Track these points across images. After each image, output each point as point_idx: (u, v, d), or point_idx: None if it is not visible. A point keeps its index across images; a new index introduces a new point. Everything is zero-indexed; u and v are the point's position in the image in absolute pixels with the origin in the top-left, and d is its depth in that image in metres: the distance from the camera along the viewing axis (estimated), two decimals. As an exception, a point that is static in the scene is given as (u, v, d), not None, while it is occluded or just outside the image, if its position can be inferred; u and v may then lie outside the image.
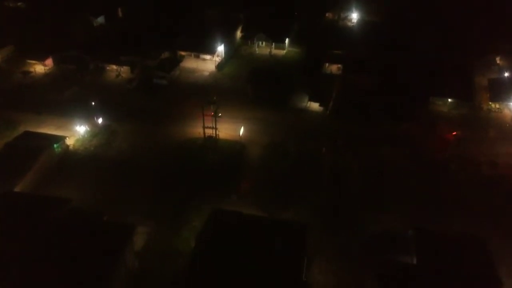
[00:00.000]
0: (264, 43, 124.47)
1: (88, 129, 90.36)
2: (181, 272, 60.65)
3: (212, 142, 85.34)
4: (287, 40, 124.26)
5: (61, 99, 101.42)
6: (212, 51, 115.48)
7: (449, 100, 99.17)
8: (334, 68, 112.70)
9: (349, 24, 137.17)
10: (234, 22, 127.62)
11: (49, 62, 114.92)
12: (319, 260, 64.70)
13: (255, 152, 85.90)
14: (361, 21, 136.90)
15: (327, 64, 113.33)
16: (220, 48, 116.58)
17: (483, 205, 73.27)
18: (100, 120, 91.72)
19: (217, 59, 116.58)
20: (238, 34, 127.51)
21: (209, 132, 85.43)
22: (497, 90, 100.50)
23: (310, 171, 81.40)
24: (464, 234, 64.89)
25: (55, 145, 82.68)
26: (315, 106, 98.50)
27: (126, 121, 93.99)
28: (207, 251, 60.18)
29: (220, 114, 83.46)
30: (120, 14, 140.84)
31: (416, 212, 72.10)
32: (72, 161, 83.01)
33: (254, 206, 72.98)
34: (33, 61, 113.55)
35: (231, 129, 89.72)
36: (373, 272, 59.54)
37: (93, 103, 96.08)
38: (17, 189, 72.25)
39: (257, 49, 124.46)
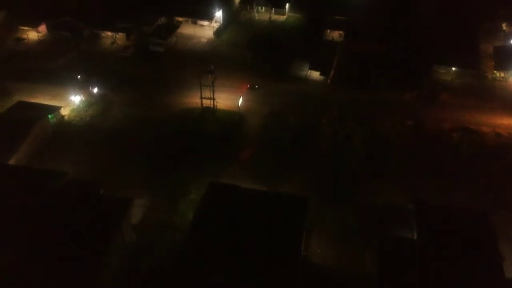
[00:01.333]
0: (263, 8, 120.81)
1: (84, 98, 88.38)
2: (178, 246, 59.94)
3: (210, 112, 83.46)
4: (287, 5, 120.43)
5: (55, 67, 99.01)
6: (210, 17, 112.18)
7: (453, 68, 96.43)
8: (335, 34, 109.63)
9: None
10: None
11: (43, 28, 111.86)
12: (319, 233, 64.02)
13: (255, 123, 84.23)
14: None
15: (328, 31, 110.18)
16: (218, 14, 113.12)
17: (486, 177, 71.85)
18: (95, 90, 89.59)
19: (215, 25, 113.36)
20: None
21: (206, 102, 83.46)
22: (503, 59, 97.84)
23: (310, 142, 79.92)
24: (465, 207, 64.07)
25: (49, 116, 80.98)
26: (315, 75, 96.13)
27: (122, 90, 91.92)
28: (205, 226, 59.49)
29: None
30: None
31: (417, 184, 70.89)
32: (67, 132, 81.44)
33: (253, 178, 71.96)
34: (26, 28, 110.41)
35: (230, 98, 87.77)
36: (373, 246, 59.05)
37: (79, 77, 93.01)
38: (11, 162, 70.98)
39: (256, 14, 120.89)
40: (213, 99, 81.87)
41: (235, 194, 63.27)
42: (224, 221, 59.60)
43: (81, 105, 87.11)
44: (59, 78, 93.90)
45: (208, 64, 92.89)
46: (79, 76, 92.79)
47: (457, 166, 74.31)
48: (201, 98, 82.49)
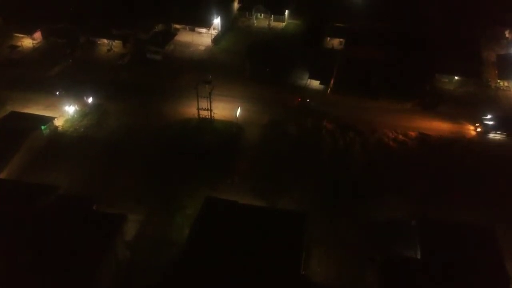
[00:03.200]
0: (262, 15, 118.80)
1: (78, 108, 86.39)
2: (173, 264, 57.86)
3: (208, 123, 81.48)
4: (286, 12, 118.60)
5: (50, 75, 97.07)
6: (208, 24, 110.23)
7: (456, 77, 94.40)
8: (335, 42, 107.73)
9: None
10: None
11: (38, 35, 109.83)
12: (319, 249, 61.96)
13: (253, 133, 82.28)
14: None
15: (328, 38, 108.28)
16: (217, 21, 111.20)
17: (491, 190, 69.93)
18: (90, 99, 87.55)
19: (213, 32, 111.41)
20: (236, 5, 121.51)
21: (204, 113, 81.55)
22: (506, 67, 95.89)
23: (310, 153, 77.97)
24: (470, 223, 62.01)
25: (42, 127, 78.97)
26: (315, 83, 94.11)
27: (117, 99, 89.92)
28: (201, 243, 57.53)
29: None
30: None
31: (419, 197, 68.88)
32: (60, 143, 79.45)
33: (251, 190, 70.23)
34: (21, 35, 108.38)
35: (228, 108, 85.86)
36: (375, 264, 57.04)
37: (57, 93, 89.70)
38: (2, 175, 69.07)
39: (255, 21, 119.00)
40: (210, 110, 79.87)
41: (232, 210, 61.37)
42: (220, 238, 57.79)
43: (76, 115, 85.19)
44: (54, 87, 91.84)
45: (206, 73, 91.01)
46: (57, 92, 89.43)
47: (460, 179, 72.28)
48: (198, 109, 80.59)
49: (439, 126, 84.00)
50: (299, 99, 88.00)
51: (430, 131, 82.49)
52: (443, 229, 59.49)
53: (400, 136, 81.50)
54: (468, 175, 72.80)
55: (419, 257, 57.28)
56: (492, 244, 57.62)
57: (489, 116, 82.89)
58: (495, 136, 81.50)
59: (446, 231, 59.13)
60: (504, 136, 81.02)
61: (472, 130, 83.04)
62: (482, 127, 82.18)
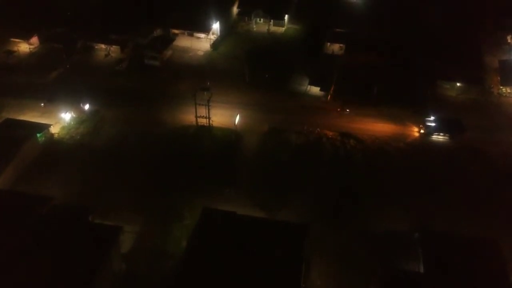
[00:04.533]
0: (262, 19, 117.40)
1: (74, 115, 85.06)
2: (170, 277, 56.53)
3: (206, 132, 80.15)
4: (286, 17, 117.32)
5: (46, 81, 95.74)
6: (207, 29, 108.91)
7: (457, 84, 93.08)
8: (336, 47, 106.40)
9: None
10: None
11: (35, 40, 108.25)
12: (319, 262, 60.63)
13: (252, 141, 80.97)
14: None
15: (328, 44, 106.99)
16: (216, 26, 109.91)
17: (496, 202, 68.65)
18: (87, 106, 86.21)
19: (212, 37, 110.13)
20: (235, 10, 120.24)
21: (202, 121, 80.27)
22: (509, 73, 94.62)
23: (311, 162, 76.67)
24: (474, 235, 60.67)
25: (38, 135, 77.61)
26: (315, 90, 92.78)
27: (115, 106, 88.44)
28: (199, 255, 56.20)
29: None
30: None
31: (422, 209, 67.60)
32: (56, 151, 78.00)
33: (250, 200, 69.04)
34: (17, 40, 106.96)
35: (226, 115, 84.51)
36: (376, 279, 55.65)
37: (42, 104, 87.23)
38: (-4, 184, 67.68)
39: (254, 26, 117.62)
40: (209, 118, 78.59)
41: (230, 221, 60.05)
42: (219, 250, 56.49)
43: (72, 122, 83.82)
44: (50, 93, 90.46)
45: (204, 79, 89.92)
46: (42, 104, 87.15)
47: (465, 188, 71.11)
48: (196, 117, 79.33)
49: (384, 128, 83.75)
50: (339, 109, 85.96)
51: (374, 132, 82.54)
52: (447, 242, 58.17)
53: (401, 144, 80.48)
54: (472, 184, 71.62)
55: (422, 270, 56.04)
56: (497, 257, 56.34)
57: (431, 118, 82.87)
58: (438, 137, 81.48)
59: (449, 244, 57.85)
60: (446, 137, 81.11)
61: (415, 131, 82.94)
62: (425, 129, 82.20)
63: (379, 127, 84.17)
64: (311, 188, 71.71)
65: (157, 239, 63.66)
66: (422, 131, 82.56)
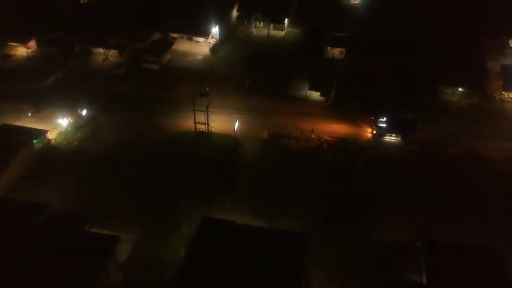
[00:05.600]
0: (261, 23, 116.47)
1: (72, 121, 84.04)
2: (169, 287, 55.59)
3: (204, 138, 79.11)
4: (286, 20, 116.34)
5: (43, 86, 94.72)
6: (206, 33, 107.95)
7: (459, 89, 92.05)
8: (336, 51, 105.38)
9: (353, 1, 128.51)
10: (230, 1, 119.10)
11: (33, 44, 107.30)
12: (319, 272, 59.52)
13: (252, 147, 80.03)
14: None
15: (328, 48, 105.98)
16: (215, 30, 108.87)
17: (499, 209, 67.62)
18: (84, 111, 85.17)
19: (212, 41, 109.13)
20: (234, 13, 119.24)
21: (201, 127, 79.24)
22: (511, 78, 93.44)
23: (311, 169, 75.67)
24: (478, 245, 59.60)
25: (35, 141, 76.53)
26: (315, 95, 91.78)
27: (112, 111, 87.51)
28: (197, 265, 55.10)
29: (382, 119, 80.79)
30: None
31: (424, 217, 66.60)
32: (53, 158, 77.10)
33: (249, 208, 68.08)
34: (15, 44, 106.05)
35: (226, 121, 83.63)
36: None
37: (29, 114, 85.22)
38: (-9, 192, 66.70)
39: (254, 30, 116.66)
40: (208, 124, 77.56)
41: (229, 230, 58.92)
42: (217, 260, 55.40)
43: (69, 128, 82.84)
44: (47, 99, 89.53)
45: (203, 83, 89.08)
46: (29, 113, 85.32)
47: (465, 196, 70.09)
48: (195, 123, 78.30)
49: (339, 129, 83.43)
50: (372, 118, 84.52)
51: (331, 133, 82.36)
52: (450, 252, 57.10)
53: (402, 150, 79.63)
54: (472, 191, 70.62)
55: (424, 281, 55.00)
56: (501, 267, 55.29)
57: (383, 119, 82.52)
58: (390, 138, 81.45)
59: (452, 254, 56.77)
60: (398, 138, 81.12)
61: (369, 132, 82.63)
62: (377, 130, 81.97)
63: (333, 128, 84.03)
64: (311, 196, 70.66)
65: (154, 248, 62.62)
66: (374, 132, 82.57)
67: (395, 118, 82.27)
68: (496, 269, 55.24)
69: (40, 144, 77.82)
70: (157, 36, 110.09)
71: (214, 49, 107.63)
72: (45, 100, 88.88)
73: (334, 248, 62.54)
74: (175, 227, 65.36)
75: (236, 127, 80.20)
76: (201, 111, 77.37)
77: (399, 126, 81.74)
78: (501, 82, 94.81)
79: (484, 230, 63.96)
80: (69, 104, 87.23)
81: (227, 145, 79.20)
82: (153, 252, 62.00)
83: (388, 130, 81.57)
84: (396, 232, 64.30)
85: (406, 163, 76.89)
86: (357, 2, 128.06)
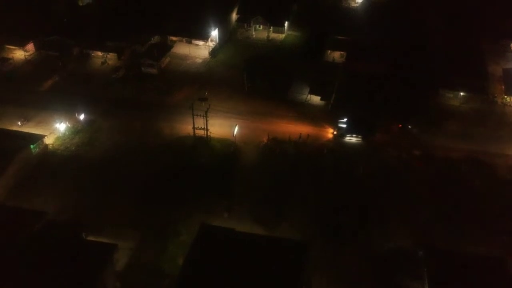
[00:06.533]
0: (261, 26, 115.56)
1: (69, 125, 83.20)
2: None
3: (203, 143, 78.26)
4: (286, 23, 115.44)
5: (41, 90, 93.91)
6: (205, 36, 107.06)
7: (461, 93, 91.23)
8: (336, 55, 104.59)
9: (353, 4, 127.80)
10: (229, 3, 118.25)
11: (31, 47, 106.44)
12: (319, 280, 58.71)
13: (251, 152, 79.30)
14: (366, 2, 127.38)
15: (329, 51, 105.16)
16: (214, 33, 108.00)
17: (502, 216, 66.72)
18: (82, 116, 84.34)
19: (211, 44, 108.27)
20: (234, 16, 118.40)
21: (200, 132, 78.41)
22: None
23: (311, 175, 74.81)
24: (480, 253, 58.86)
25: (32, 146, 75.65)
26: (316, 99, 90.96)
27: (111, 115, 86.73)
28: (196, 273, 54.30)
29: (410, 127, 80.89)
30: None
31: (426, 224, 65.85)
32: (50, 163, 76.28)
33: (249, 215, 67.38)
34: (13, 47, 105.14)
35: (225, 125, 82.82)
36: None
37: (19, 123, 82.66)
38: (-13, 199, 65.83)
39: (254, 33, 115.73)
40: (207, 129, 76.71)
41: (228, 238, 58.18)
42: (216, 269, 54.69)
43: (67, 133, 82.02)
44: (45, 102, 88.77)
45: (202, 88, 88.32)
46: (19, 122, 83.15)
47: (468, 203, 69.19)
48: (194, 128, 77.47)
49: (301, 130, 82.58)
50: (400, 125, 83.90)
51: (284, 134, 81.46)
52: (452, 260, 56.34)
53: (404, 155, 78.82)
54: (475, 198, 69.78)
55: (426, 290, 54.27)
56: (504, 276, 54.51)
57: (344, 120, 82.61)
58: (351, 139, 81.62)
59: (455, 262, 56.01)
60: (359, 139, 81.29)
61: (330, 133, 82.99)
62: (337, 131, 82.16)
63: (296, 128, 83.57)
64: (311, 201, 69.94)
65: (153, 256, 61.84)
66: (335, 132, 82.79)
67: (355, 119, 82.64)
68: (498, 278, 54.48)
69: (37, 149, 76.96)
70: (156, 39, 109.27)
71: (213, 53, 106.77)
72: (43, 104, 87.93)
73: (335, 256, 61.73)
74: (174, 234, 64.57)
75: (235, 132, 79.33)
76: (200, 116, 76.40)
77: (359, 126, 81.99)
78: (503, 86, 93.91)
79: (486, 238, 63.09)
80: (67, 108, 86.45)
81: (226, 150, 78.38)
82: (152, 260, 61.21)
83: (348, 131, 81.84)
84: (397, 239, 63.44)
85: (406, 169, 76.00)
86: (357, 5, 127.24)
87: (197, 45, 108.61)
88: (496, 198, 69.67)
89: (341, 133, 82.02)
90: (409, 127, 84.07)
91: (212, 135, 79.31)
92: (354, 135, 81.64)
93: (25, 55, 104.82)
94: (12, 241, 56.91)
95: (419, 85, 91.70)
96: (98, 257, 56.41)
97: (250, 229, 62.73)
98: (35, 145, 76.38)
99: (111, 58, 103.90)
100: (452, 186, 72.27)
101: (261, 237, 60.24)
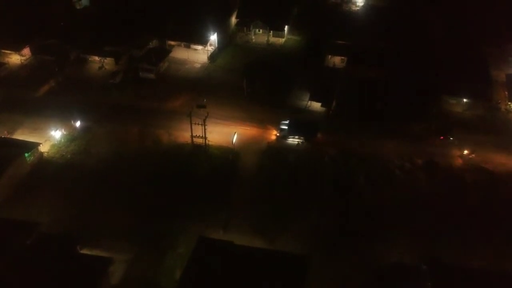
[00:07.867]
0: (261, 30, 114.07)
1: (65, 132, 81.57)
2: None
3: (202, 151, 76.64)
4: (286, 28, 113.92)
5: (37, 95, 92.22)
6: (204, 41, 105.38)
7: (464, 100, 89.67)
8: (337, 60, 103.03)
9: (354, 8, 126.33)
10: (229, 7, 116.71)
11: (27, 51, 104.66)
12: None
13: (251, 160, 77.46)
14: (367, 5, 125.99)
15: (329, 56, 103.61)
16: (213, 37, 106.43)
17: (508, 228, 65.07)
18: (78, 123, 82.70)
19: (210, 48, 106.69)
20: (233, 20, 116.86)
21: (198, 140, 76.80)
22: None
23: (312, 183, 73.23)
24: (487, 268, 57.32)
25: (26, 154, 73.98)
26: (316, 105, 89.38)
27: (107, 122, 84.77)
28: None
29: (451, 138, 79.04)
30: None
31: (430, 236, 64.25)
32: (45, 172, 74.35)
33: (248, 225, 65.77)
34: (8, 51, 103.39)
35: (224, 132, 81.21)
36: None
37: (3, 136, 78.91)
38: (-21, 209, 64.12)
39: (253, 37, 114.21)
40: (205, 138, 75.09)
41: (227, 252, 56.48)
42: (214, 283, 52.99)
43: (62, 140, 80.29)
44: (41, 108, 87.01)
45: (201, 93, 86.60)
46: (3, 136, 79.33)
47: (471, 213, 67.58)
48: (192, 136, 75.85)
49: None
50: (442, 137, 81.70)
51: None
52: (457, 275, 54.74)
53: (407, 164, 77.21)
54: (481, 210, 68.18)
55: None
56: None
57: (286, 122, 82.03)
58: (293, 140, 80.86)
59: (460, 277, 54.39)
60: (301, 141, 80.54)
61: (273, 135, 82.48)
62: (279, 132, 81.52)
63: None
64: (311, 211, 68.32)
65: (149, 268, 60.17)
66: (277, 134, 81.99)
67: (296, 121, 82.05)
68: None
69: (32, 158, 75.28)
70: (154, 43, 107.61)
71: (212, 57, 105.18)
72: (38, 110, 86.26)
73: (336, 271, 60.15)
74: (172, 246, 62.93)
75: (234, 139, 77.74)
76: (198, 124, 74.75)
77: (300, 128, 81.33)
78: (506, 92, 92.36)
79: (492, 251, 61.49)
80: (63, 114, 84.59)
81: (225, 158, 76.71)
82: (148, 274, 59.53)
83: (290, 132, 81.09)
84: (399, 251, 61.88)
85: (408, 177, 74.52)
86: (358, 8, 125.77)
87: (195, 49, 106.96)
88: (501, 208, 68.00)
89: (283, 135, 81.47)
90: (451, 138, 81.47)
91: (210, 143, 77.60)
92: (296, 137, 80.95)
93: (21, 60, 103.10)
94: (3, 254, 55.15)
95: (421, 91, 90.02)
96: (92, 271, 54.70)
97: (250, 239, 61.19)
98: (29, 153, 74.70)
99: (108, 63, 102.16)
100: (457, 196, 70.60)
101: (261, 250, 58.54)
